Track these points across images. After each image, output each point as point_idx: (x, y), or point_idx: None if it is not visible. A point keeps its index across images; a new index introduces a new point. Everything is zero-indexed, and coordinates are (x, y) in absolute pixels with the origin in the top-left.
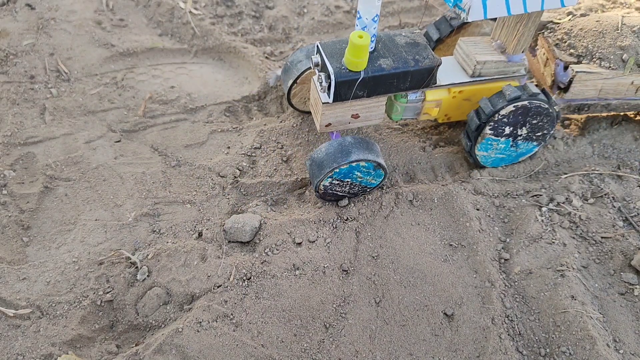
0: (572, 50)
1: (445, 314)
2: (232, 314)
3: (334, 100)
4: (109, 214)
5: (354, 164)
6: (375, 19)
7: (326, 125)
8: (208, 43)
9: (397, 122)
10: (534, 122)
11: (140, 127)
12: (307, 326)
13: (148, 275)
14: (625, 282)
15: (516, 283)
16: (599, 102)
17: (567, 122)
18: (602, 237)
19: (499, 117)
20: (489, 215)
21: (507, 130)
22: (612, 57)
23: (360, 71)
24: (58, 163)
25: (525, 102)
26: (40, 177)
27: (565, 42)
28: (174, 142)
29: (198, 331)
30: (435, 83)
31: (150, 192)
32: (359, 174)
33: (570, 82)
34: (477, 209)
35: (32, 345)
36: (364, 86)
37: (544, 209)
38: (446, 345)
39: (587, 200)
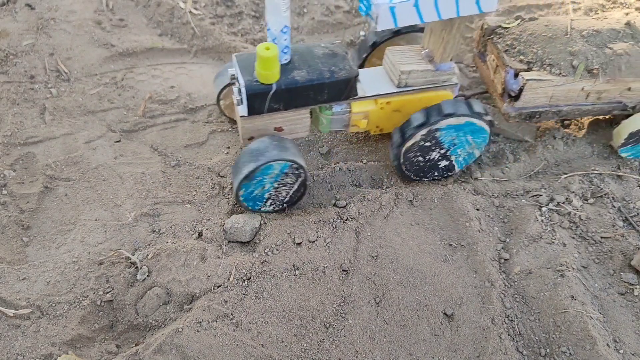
0: (521, 57)
1: (445, 314)
2: (232, 314)
3: (249, 113)
4: (109, 214)
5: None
6: (285, 30)
7: (249, 139)
8: (208, 43)
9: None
10: (429, 143)
11: (140, 127)
12: (307, 326)
13: (148, 275)
14: (625, 282)
15: (516, 283)
16: (550, 109)
17: (567, 122)
18: (601, 237)
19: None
20: (488, 215)
21: (421, 162)
22: (562, 63)
23: (272, 83)
24: (58, 163)
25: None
26: (40, 177)
27: (515, 48)
28: (174, 142)
29: (198, 331)
30: (356, 95)
31: (150, 192)
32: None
33: (521, 90)
34: (477, 209)
35: (32, 345)
36: (279, 98)
37: (543, 209)
38: (446, 345)
39: (587, 200)
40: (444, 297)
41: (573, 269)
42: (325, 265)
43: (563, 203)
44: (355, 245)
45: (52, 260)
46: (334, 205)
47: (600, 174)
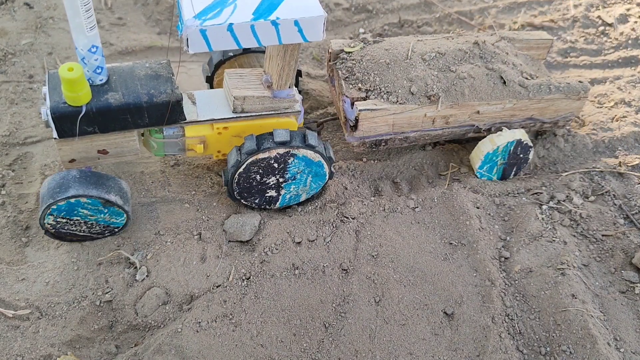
0: (359, 85)
1: (445, 312)
2: (231, 314)
3: (60, 136)
4: None
5: (72, 200)
6: (94, 50)
7: (70, 162)
8: None
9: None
10: (276, 165)
11: None
12: (306, 326)
13: (147, 276)
14: (626, 280)
15: (516, 281)
16: (395, 137)
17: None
18: (602, 235)
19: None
20: (489, 214)
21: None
22: (399, 90)
23: (81, 106)
24: (56, 163)
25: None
26: (38, 177)
27: (354, 74)
28: None
29: (197, 331)
30: (184, 119)
31: (149, 191)
32: (85, 211)
33: (357, 119)
34: (477, 207)
35: (31, 346)
36: (91, 121)
37: (544, 207)
38: (446, 345)
39: (587, 198)
40: (444, 296)
41: (574, 267)
42: (325, 265)
43: (564, 201)
44: (355, 245)
45: (51, 261)
46: (335, 204)
47: (601, 171)
